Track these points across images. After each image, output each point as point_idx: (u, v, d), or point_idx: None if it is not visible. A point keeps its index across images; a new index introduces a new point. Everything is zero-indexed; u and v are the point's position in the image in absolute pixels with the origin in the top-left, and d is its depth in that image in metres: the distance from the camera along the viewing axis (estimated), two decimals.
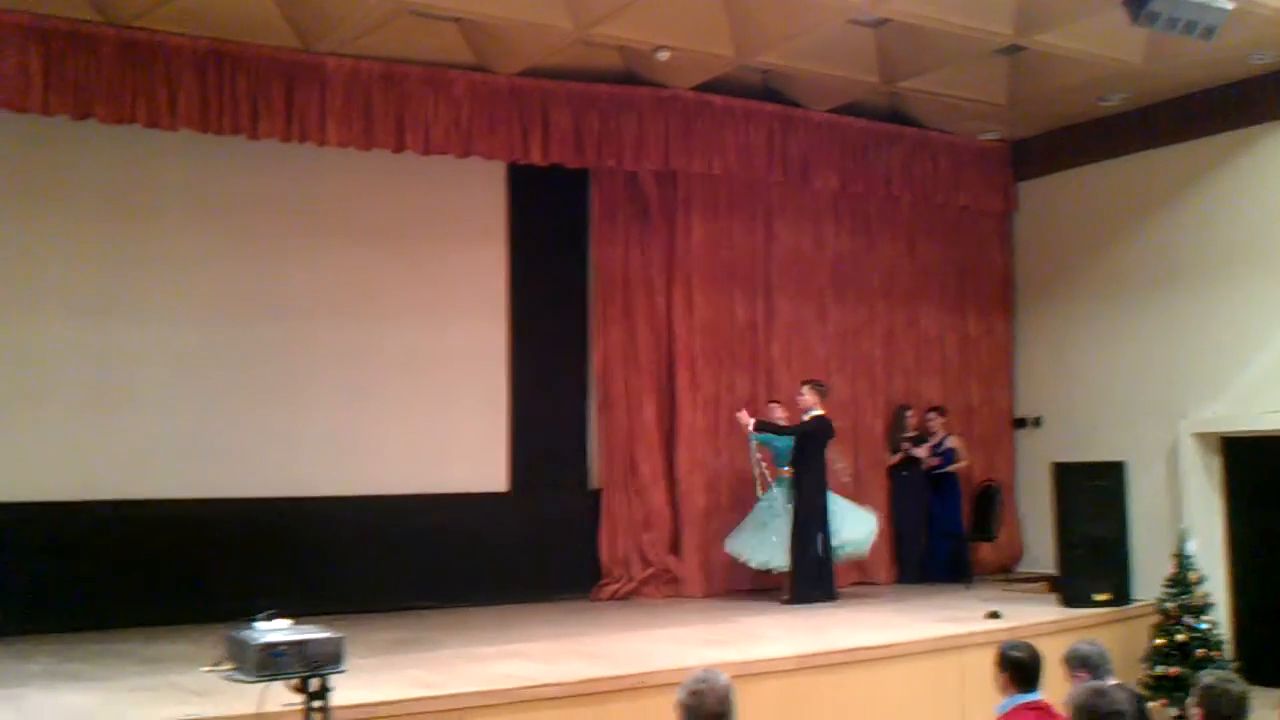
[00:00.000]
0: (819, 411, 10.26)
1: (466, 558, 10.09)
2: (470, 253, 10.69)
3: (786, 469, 10.36)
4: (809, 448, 10.22)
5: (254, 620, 5.12)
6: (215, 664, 5.13)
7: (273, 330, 9.78)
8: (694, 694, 4.23)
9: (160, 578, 8.94)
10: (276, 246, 9.86)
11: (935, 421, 11.79)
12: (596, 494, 10.85)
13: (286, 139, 9.10)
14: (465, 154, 9.77)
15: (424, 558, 9.92)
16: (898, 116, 11.86)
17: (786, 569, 10.11)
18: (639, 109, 10.38)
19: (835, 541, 10.22)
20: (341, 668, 4.98)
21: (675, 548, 10.78)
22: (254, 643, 4.80)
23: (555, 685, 6.69)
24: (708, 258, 11.07)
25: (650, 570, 10.64)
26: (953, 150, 12.20)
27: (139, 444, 9.15)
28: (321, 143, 9.22)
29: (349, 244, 10.12)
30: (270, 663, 4.77)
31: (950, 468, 11.66)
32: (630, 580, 10.58)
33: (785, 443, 10.39)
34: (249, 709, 5.26)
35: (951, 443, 11.72)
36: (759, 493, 10.44)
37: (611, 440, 10.78)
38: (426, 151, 9.58)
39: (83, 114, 8.38)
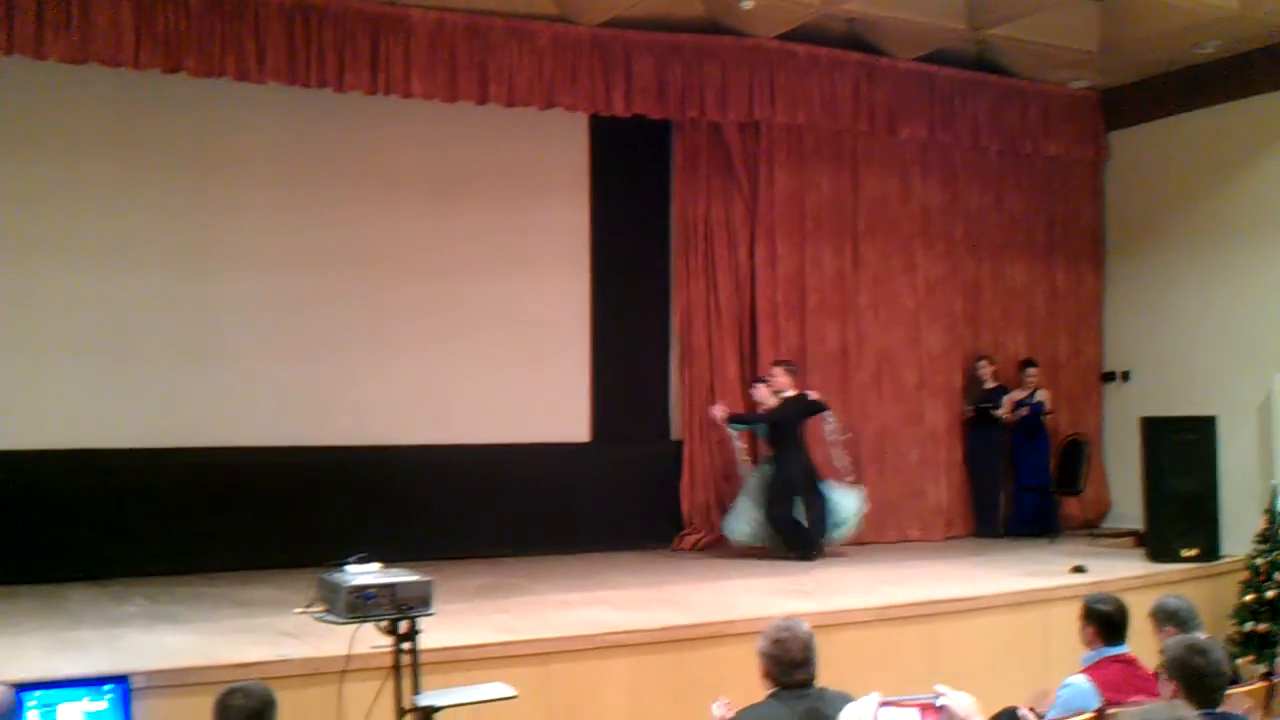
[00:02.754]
0: (791, 392, 10.09)
1: (550, 507, 10.16)
2: (554, 205, 10.69)
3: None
4: (783, 431, 10.09)
5: (344, 564, 5.24)
6: (307, 606, 5.25)
7: (360, 282, 9.88)
8: (776, 642, 4.26)
9: (252, 523, 9.10)
10: (362, 199, 9.93)
11: (1033, 377, 11.60)
12: (678, 445, 10.86)
13: (371, 92, 9.14)
14: (548, 105, 9.76)
15: (508, 506, 10.01)
16: (986, 65, 11.65)
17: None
18: (722, 59, 10.30)
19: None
20: (430, 610, 5.08)
21: None
22: (345, 585, 4.91)
23: (638, 632, 6.77)
24: (792, 209, 10.98)
25: None
26: (1042, 99, 11.97)
27: (231, 392, 9.34)
28: (406, 95, 9.24)
29: (434, 197, 10.18)
30: (360, 605, 4.88)
31: (1039, 419, 11.53)
32: (711, 531, 10.59)
33: (764, 427, 10.33)
34: (339, 650, 5.37)
35: (1041, 396, 11.58)
36: (742, 471, 10.40)
37: (693, 392, 10.76)
38: (510, 103, 9.59)
39: (173, 67, 8.46)
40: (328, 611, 5.05)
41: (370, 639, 5.19)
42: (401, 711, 5.09)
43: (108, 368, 9.02)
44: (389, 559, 5.41)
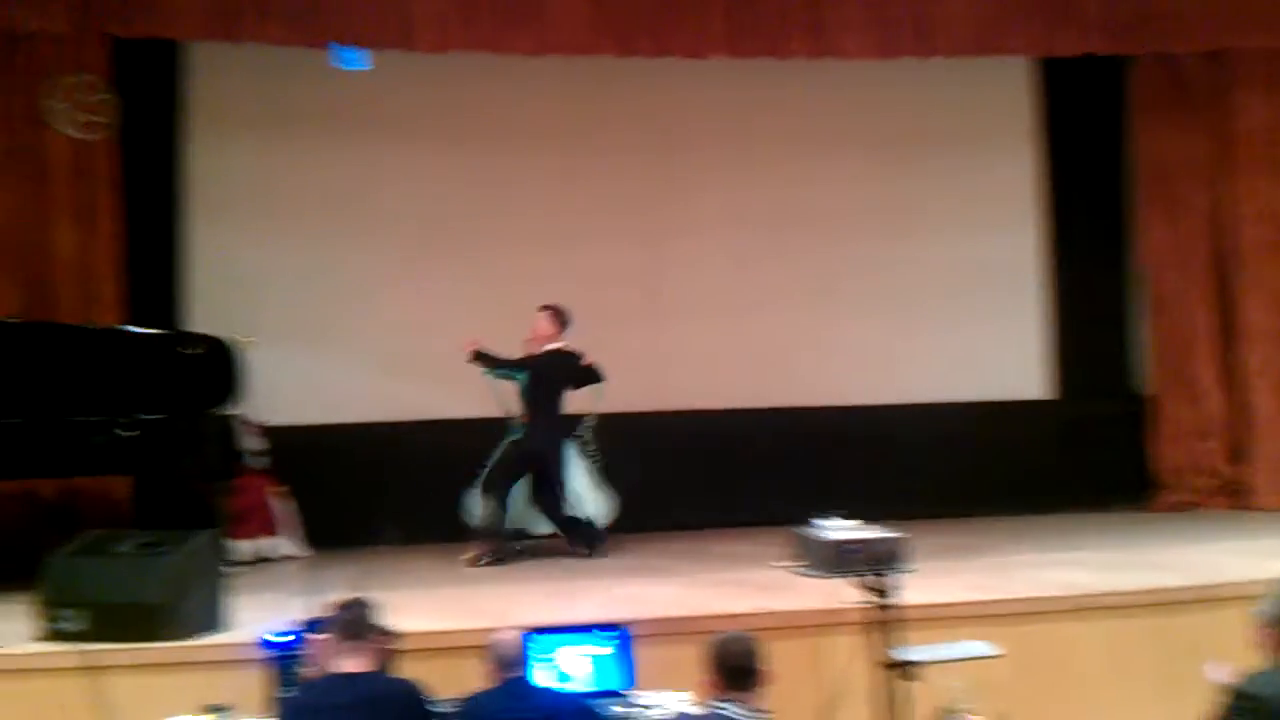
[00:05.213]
0: (558, 345, 8.28)
1: (1006, 466, 9.93)
2: (995, 155, 10.48)
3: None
4: (542, 389, 8.24)
5: (813, 520, 5.34)
6: (787, 561, 5.40)
7: (804, 244, 10.10)
8: None
9: (718, 481, 9.49)
10: (808, 163, 10.15)
11: None
12: (1142, 400, 10.33)
13: (811, 57, 9.18)
14: (991, 53, 9.47)
15: (963, 465, 9.84)
16: None
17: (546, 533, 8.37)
18: None
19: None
20: (909, 567, 5.09)
21: (1241, 457, 10.01)
22: (826, 541, 5.01)
23: (1119, 594, 6.46)
24: (1272, 140, 10.04)
25: (1211, 481, 9.98)
26: None
27: (708, 352, 9.74)
28: (845, 56, 9.22)
29: (876, 156, 10.23)
30: (843, 560, 4.98)
31: None
32: (1190, 491, 9.99)
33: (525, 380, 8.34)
34: (812, 604, 5.46)
35: None
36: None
37: (1161, 343, 10.17)
38: (951, 54, 9.35)
39: (627, 50, 8.85)
40: (809, 566, 5.17)
41: (844, 594, 5.24)
42: (882, 665, 5.13)
43: (634, 333, 9.53)
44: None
